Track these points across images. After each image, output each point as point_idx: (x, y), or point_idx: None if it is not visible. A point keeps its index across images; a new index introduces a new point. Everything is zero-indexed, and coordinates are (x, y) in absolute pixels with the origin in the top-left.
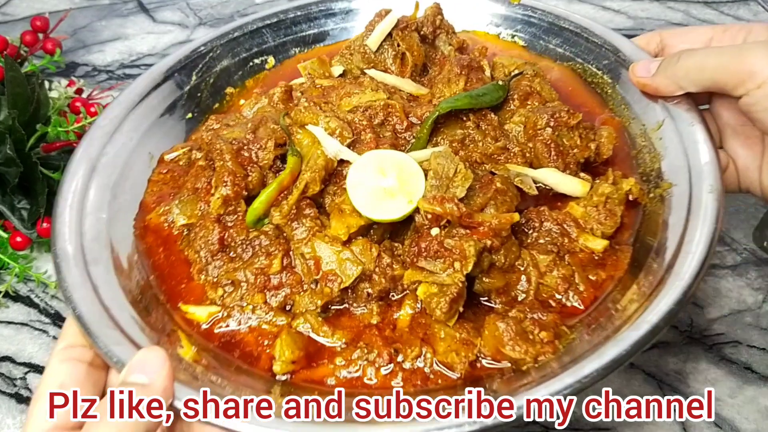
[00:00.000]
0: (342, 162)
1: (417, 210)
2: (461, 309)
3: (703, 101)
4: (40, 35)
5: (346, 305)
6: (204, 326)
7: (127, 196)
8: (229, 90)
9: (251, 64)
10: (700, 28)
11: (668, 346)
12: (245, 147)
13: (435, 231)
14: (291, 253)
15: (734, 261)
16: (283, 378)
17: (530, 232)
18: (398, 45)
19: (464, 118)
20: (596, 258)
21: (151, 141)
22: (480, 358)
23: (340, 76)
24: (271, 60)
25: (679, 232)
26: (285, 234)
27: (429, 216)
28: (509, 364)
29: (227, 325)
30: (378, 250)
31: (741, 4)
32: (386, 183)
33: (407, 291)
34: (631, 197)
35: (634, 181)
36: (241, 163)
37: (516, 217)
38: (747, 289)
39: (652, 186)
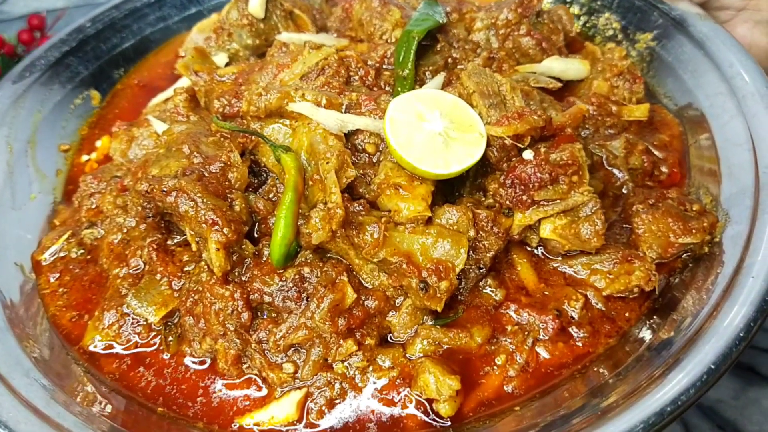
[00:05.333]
0: (349, 135)
1: (488, 143)
2: (606, 223)
3: None
4: (37, 33)
5: (456, 296)
6: (296, 423)
7: (38, 328)
8: (64, 146)
9: (72, 106)
10: None
11: None
12: (205, 173)
13: (529, 154)
14: (351, 271)
15: None
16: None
17: (581, 130)
18: (281, 5)
19: (431, 42)
20: (644, 125)
21: (7, 248)
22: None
23: (227, 65)
24: (95, 94)
25: (706, 65)
26: (331, 252)
27: (508, 142)
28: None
29: (332, 401)
30: (469, 209)
31: None
32: (436, 126)
33: (510, 246)
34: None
35: (613, 45)
36: (214, 193)
37: (584, 107)
38: None
39: (627, 44)
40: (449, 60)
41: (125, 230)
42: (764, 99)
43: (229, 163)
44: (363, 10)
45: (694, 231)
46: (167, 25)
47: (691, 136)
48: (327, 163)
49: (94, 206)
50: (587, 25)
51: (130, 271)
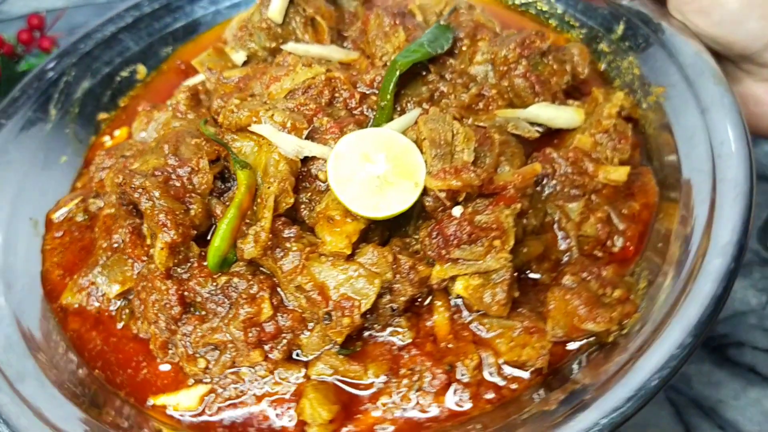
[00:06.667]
0: (306, 160)
1: (425, 191)
2: (517, 293)
3: None
4: (37, 33)
5: (368, 331)
6: (195, 414)
7: (24, 279)
8: (102, 116)
9: (119, 78)
10: None
11: None
12: (173, 175)
13: (458, 210)
14: (278, 289)
15: None
16: None
17: (545, 181)
18: (304, 11)
19: (423, 73)
20: (620, 189)
21: (28, 203)
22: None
23: (245, 63)
24: (141, 69)
25: (701, 135)
26: (263, 268)
27: (443, 194)
28: (590, 339)
29: (227, 403)
30: (392, 253)
31: None
32: (377, 170)
33: (433, 292)
34: (623, 114)
35: (623, 95)
36: (174, 196)
37: (538, 167)
38: (751, 290)
39: (641, 95)
40: (436, 92)
41: (114, 208)
42: (740, 197)
43: (197, 168)
44: (374, 27)
45: (599, 319)
46: (218, 9)
47: (661, 209)
48: (269, 187)
49: (101, 179)
50: (612, 65)
51: (112, 245)
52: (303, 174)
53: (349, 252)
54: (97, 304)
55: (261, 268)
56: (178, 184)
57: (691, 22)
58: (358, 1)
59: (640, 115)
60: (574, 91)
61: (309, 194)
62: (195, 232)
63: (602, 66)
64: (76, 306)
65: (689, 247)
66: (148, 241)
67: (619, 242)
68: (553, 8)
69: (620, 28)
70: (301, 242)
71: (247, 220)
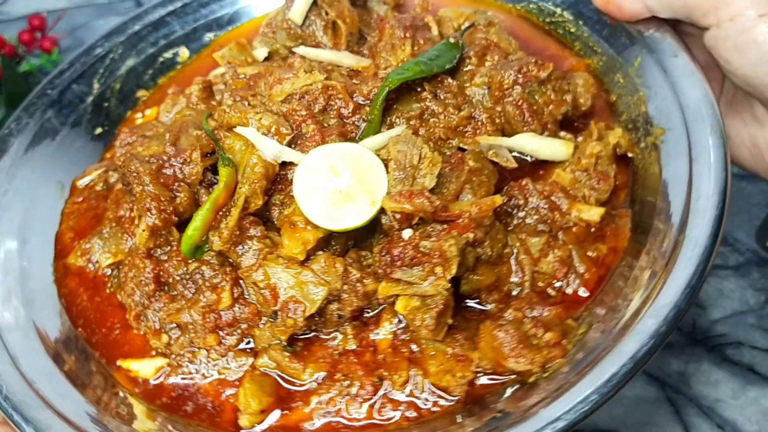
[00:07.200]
0: (285, 164)
1: (383, 210)
2: (450, 320)
3: None
4: (38, 34)
5: (316, 333)
6: (152, 382)
7: (39, 238)
8: (141, 93)
9: (161, 59)
10: None
11: (670, 347)
12: (167, 163)
13: (407, 233)
14: (241, 281)
15: (737, 261)
16: None
17: (515, 212)
18: (326, 13)
19: (419, 89)
20: (593, 230)
21: (59, 168)
22: (480, 375)
23: (266, 59)
24: (184, 52)
25: (683, 185)
26: (231, 260)
27: (398, 216)
28: (513, 376)
29: (179, 378)
30: (343, 264)
31: None
32: (341, 184)
33: (384, 305)
34: (619, 151)
35: (621, 131)
36: (165, 183)
37: (498, 200)
38: (749, 290)
39: (642, 134)
40: (427, 111)
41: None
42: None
43: (189, 159)
44: (387, 37)
45: (520, 359)
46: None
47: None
48: (241, 187)
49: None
50: (622, 98)
51: (118, 217)
52: (281, 177)
53: (302, 258)
54: (93, 269)
55: (230, 260)
56: (170, 172)
57: (724, 59)
58: (389, 5)
59: (637, 154)
60: (581, 121)
61: (282, 197)
62: (177, 219)
63: (613, 98)
64: (79, 266)
65: (630, 302)
66: (136, 222)
67: (574, 284)
68: (579, 30)
69: (637, 61)
70: (263, 242)
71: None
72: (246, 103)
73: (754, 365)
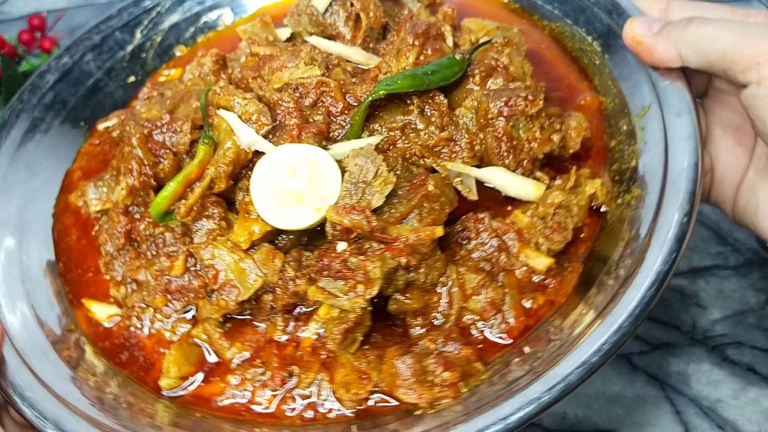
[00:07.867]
0: (259, 153)
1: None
2: (361, 337)
3: (697, 92)
4: (38, 34)
5: (251, 317)
6: (105, 325)
7: (49, 172)
8: (180, 48)
9: (205, 19)
10: (710, 4)
11: (670, 347)
12: (159, 129)
13: (341, 246)
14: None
15: (737, 261)
16: (171, 394)
17: (465, 243)
18: (351, 5)
19: (408, 101)
20: (537, 279)
21: (86, 109)
22: (377, 392)
23: (288, 40)
24: (228, 14)
25: (635, 252)
26: (192, 233)
27: (338, 227)
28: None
29: (127, 328)
30: (282, 260)
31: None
32: (295, 185)
33: (316, 306)
34: (594, 203)
35: (600, 183)
36: (152, 148)
37: (438, 231)
38: (750, 289)
39: (623, 189)
40: (409, 125)
41: None
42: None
43: (179, 129)
44: (398, 41)
45: (409, 393)
46: None
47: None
48: (209, 168)
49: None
50: (620, 146)
51: (119, 167)
52: (252, 163)
53: (246, 247)
54: (86, 210)
55: (190, 233)
56: (160, 138)
57: (761, 120)
58: (422, 3)
59: (613, 209)
60: (571, 162)
61: (249, 183)
62: (155, 183)
63: (613, 144)
64: (77, 206)
65: (540, 360)
66: (121, 177)
67: (498, 328)
68: (603, 64)
69: (644, 111)
70: (219, 223)
71: None
72: (246, 82)
73: (754, 365)
